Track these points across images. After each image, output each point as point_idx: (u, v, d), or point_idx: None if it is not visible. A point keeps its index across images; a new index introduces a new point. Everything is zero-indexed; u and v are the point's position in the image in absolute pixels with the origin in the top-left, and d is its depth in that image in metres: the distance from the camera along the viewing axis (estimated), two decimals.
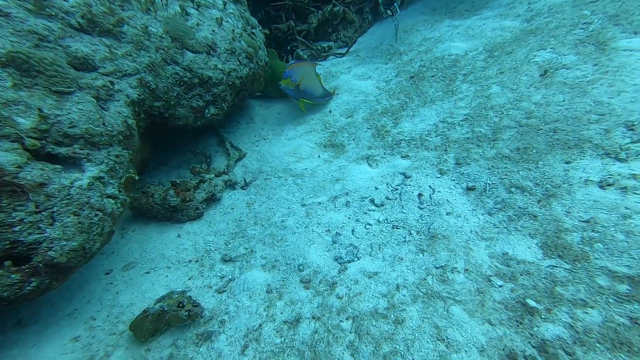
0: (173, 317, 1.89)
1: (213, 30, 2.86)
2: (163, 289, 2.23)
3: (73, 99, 1.96)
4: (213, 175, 3.05)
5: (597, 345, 1.43)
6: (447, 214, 2.19)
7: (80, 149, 1.92)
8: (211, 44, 2.82)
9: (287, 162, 3.16)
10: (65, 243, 1.73)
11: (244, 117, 3.84)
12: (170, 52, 2.55)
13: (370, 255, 2.13)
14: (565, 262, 1.75)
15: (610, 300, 1.55)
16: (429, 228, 2.14)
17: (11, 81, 1.77)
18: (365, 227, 2.31)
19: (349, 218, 2.42)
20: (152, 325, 1.90)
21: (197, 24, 2.77)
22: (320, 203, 2.62)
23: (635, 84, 2.48)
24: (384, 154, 2.89)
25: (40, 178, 1.71)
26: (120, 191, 2.10)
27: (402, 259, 2.03)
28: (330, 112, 3.62)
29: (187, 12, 2.74)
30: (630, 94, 2.43)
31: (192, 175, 3.04)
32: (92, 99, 2.05)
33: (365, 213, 2.42)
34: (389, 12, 4.46)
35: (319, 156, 3.15)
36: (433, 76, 3.53)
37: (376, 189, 2.57)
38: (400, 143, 2.92)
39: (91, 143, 1.97)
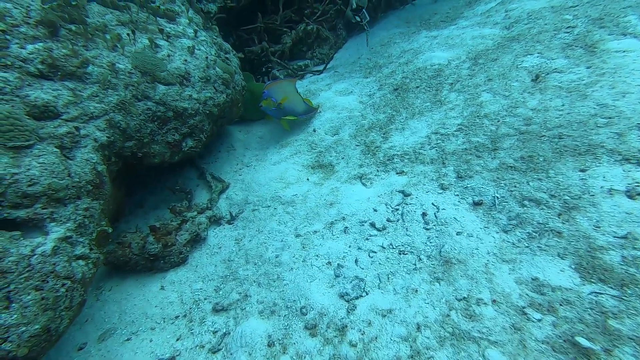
0: None
1: (185, 60, 2.67)
2: (148, 358, 1.93)
3: (33, 153, 1.73)
4: (195, 212, 2.79)
5: None
6: (457, 234, 2.01)
7: (43, 208, 1.66)
8: (184, 74, 2.62)
9: (275, 189, 2.93)
10: (24, 329, 1.43)
11: (223, 144, 3.62)
12: (140, 87, 2.34)
13: (379, 288, 1.92)
14: (611, 287, 1.54)
15: None
16: (440, 251, 1.96)
17: None
18: (369, 256, 2.11)
19: (349, 246, 2.21)
20: None
21: (168, 55, 2.60)
22: (316, 232, 2.41)
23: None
24: (378, 171, 2.73)
25: None
26: (91, 249, 1.82)
27: (416, 290, 1.83)
28: (314, 131, 3.45)
29: (157, 44, 2.56)
30: (636, 95, 2.32)
31: (172, 215, 2.77)
32: (56, 150, 1.81)
33: (367, 239, 2.22)
34: (357, 17, 4.42)
35: (307, 179, 2.95)
36: (418, 87, 3.43)
37: (375, 210, 2.38)
38: (393, 158, 2.77)
39: (55, 200, 1.71)
